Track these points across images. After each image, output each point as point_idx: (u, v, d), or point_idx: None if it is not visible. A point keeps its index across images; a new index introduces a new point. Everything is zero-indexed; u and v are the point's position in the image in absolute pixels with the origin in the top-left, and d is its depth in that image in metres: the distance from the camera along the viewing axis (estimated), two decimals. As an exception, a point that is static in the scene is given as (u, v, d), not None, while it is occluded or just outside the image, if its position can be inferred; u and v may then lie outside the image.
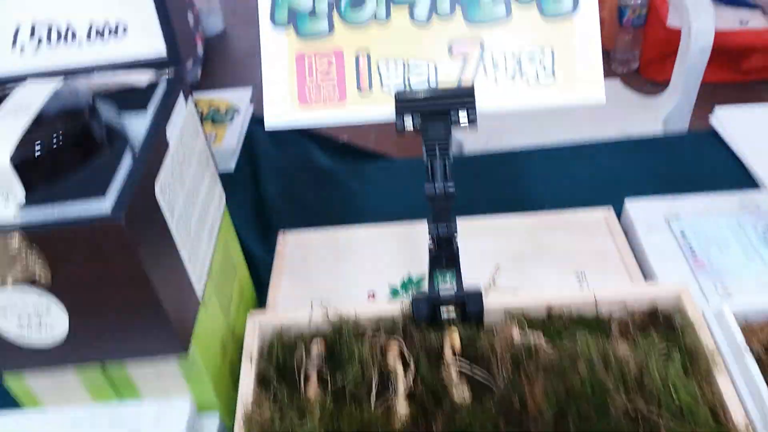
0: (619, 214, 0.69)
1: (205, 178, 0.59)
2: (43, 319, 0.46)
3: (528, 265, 0.64)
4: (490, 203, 0.75)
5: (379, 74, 0.48)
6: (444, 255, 0.51)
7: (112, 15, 0.54)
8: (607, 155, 0.79)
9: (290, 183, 0.86)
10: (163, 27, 0.53)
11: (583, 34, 0.45)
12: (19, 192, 0.43)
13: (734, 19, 1.91)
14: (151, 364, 0.53)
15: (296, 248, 0.71)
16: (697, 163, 0.76)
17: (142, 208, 0.43)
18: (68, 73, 0.55)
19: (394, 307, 0.55)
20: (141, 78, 0.53)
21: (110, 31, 0.55)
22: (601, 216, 0.68)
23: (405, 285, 0.68)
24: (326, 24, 0.49)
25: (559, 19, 0.46)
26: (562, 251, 0.65)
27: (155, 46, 0.55)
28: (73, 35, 0.55)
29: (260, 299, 0.71)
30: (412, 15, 0.47)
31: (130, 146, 0.46)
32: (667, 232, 0.63)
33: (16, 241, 0.41)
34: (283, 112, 0.49)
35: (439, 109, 0.46)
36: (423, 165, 0.47)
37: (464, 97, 0.46)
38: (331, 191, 0.84)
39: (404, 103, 0.47)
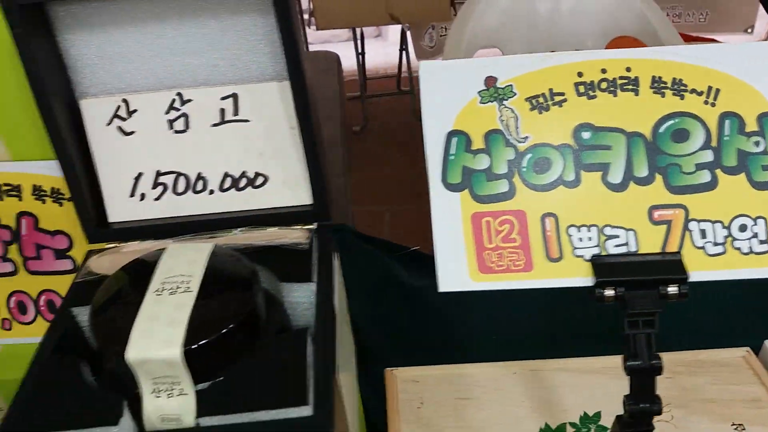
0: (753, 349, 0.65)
1: (344, 328, 0.54)
2: None
3: (678, 413, 0.59)
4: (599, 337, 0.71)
5: (570, 241, 0.44)
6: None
7: (251, 167, 0.50)
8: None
9: (378, 305, 0.81)
10: (314, 180, 0.49)
11: (800, 203, 0.42)
12: (188, 387, 0.38)
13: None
14: None
15: (409, 390, 0.66)
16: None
17: (334, 403, 0.38)
18: (196, 223, 0.51)
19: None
20: (292, 237, 0.48)
21: (248, 182, 0.51)
22: (739, 356, 0.64)
23: (539, 434, 0.62)
24: (506, 186, 0.45)
25: (771, 188, 0.42)
26: (711, 398, 0.60)
27: (298, 196, 0.51)
28: (204, 185, 0.51)
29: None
30: (605, 180, 0.44)
31: (309, 332, 0.41)
32: (824, 378, 0.59)
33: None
34: (460, 282, 0.45)
35: (645, 280, 0.42)
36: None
37: (673, 268, 0.42)
38: (427, 315, 0.79)
39: (605, 272, 0.43)
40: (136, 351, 0.37)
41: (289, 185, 0.50)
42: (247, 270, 0.42)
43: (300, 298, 0.45)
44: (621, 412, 0.48)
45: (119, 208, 0.50)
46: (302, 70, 0.46)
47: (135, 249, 0.49)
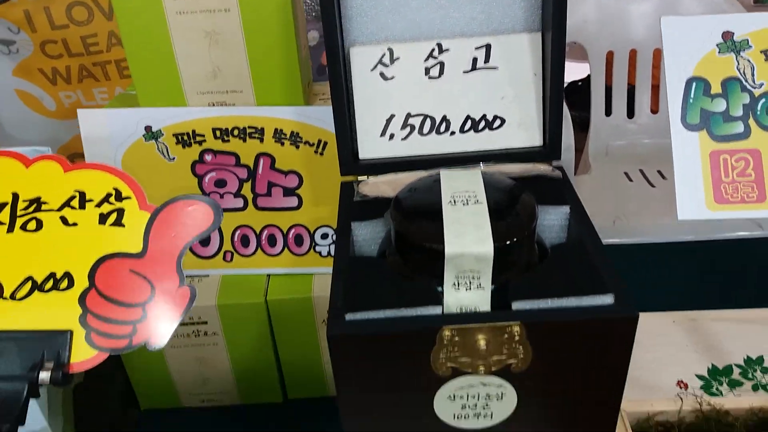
0: None
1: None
2: (487, 407, 0.46)
3: None
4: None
5: (802, 176, 0.49)
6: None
7: (491, 110, 0.56)
8: None
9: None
10: (550, 122, 0.55)
11: None
12: (487, 282, 0.44)
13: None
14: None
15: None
16: None
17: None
18: (437, 161, 0.57)
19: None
20: (540, 169, 0.54)
21: (486, 124, 0.57)
22: None
23: (713, 374, 0.68)
24: (741, 127, 0.50)
25: None
26: None
27: (530, 138, 0.57)
28: (447, 127, 0.57)
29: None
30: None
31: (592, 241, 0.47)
32: None
33: (514, 331, 0.41)
34: (697, 211, 0.50)
35: None
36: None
37: None
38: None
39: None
40: (452, 247, 0.43)
41: (524, 127, 0.56)
42: (519, 187, 0.48)
43: (553, 221, 0.51)
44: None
45: (370, 146, 0.57)
46: (565, 21, 0.51)
47: (391, 179, 0.55)
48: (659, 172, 1.13)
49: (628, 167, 1.13)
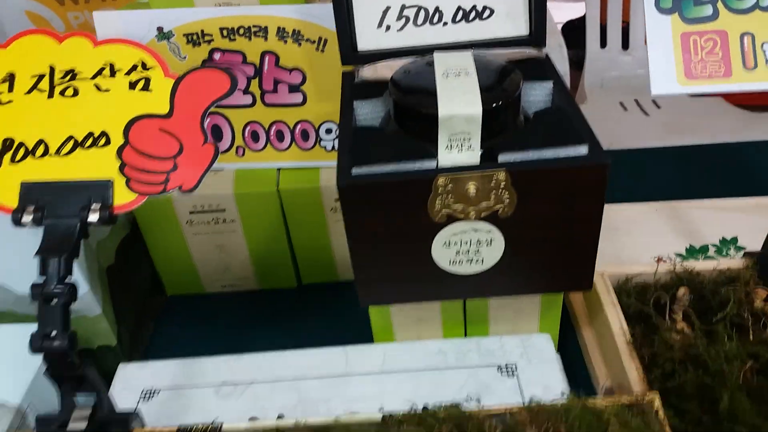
0: None
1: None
2: (479, 252, 0.51)
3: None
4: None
5: (764, 54, 0.54)
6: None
7: (481, 1, 0.61)
8: None
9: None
10: (534, 12, 0.60)
11: None
12: (477, 143, 0.49)
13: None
14: (512, 301, 0.59)
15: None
16: None
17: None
18: (431, 50, 0.61)
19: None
20: (525, 54, 0.59)
21: (476, 14, 0.61)
22: None
23: (691, 252, 0.74)
24: (711, 10, 0.55)
25: None
26: None
27: (517, 28, 0.62)
28: (440, 17, 0.61)
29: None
30: (797, 2, 0.54)
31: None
32: None
33: (500, 178, 0.47)
34: (669, 86, 0.55)
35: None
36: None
37: None
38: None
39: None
40: (445, 110, 0.48)
41: (512, 17, 0.60)
42: (506, 64, 0.54)
43: (538, 96, 0.56)
44: (754, 239, 0.57)
45: (367, 38, 0.61)
46: None
47: (390, 63, 0.60)
48: (654, 101, 1.16)
49: (623, 98, 1.17)
